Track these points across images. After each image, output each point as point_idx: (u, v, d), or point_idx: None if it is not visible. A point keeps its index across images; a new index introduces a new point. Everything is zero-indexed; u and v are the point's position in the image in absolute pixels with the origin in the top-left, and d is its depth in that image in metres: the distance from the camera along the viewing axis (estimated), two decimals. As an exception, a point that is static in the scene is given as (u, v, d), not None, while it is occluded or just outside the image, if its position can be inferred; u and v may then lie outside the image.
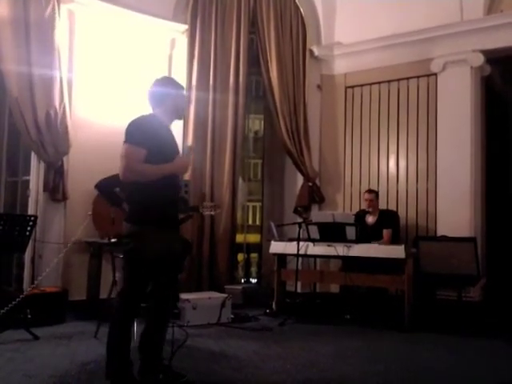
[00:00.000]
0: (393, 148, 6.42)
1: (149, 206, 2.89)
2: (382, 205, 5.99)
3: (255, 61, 6.57)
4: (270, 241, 5.77)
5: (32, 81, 4.92)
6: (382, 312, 5.27)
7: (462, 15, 5.85)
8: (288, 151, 6.50)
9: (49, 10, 5.04)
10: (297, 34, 6.67)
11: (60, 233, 5.17)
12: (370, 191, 5.82)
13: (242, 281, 6.93)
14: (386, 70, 6.43)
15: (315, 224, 5.31)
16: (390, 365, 3.64)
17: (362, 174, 6.63)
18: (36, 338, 4.07)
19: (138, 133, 2.88)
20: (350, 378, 3.36)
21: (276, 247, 5.60)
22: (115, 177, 4.50)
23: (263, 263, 6.86)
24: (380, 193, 5.98)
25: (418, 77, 6.26)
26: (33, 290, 4.65)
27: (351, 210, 6.43)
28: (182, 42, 6.16)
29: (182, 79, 5.89)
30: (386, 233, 5.48)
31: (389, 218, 5.68)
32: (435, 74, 6.10)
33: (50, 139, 5.00)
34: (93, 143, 5.40)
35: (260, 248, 7.00)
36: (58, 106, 5.07)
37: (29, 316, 4.41)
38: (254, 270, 7.15)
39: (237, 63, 6.30)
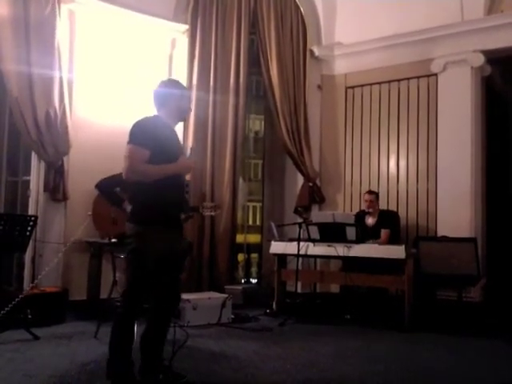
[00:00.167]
0: (393, 148, 6.42)
1: (152, 207, 2.91)
2: (383, 205, 5.99)
3: (255, 61, 6.58)
4: (270, 241, 5.77)
5: (32, 80, 4.91)
6: (382, 312, 5.27)
7: (463, 15, 5.85)
8: (288, 151, 6.50)
9: (49, 9, 5.03)
10: (297, 34, 6.67)
11: (60, 233, 5.17)
12: (370, 192, 5.81)
13: (243, 281, 6.93)
14: (387, 71, 6.43)
15: (315, 224, 5.31)
16: (390, 365, 3.64)
17: (362, 174, 6.63)
18: (36, 338, 4.07)
19: (141, 133, 2.90)
20: (350, 378, 3.36)
21: (276, 247, 5.60)
22: (115, 177, 4.53)
23: (263, 263, 6.86)
24: (380, 193, 5.98)
25: (419, 77, 6.26)
26: (33, 290, 4.65)
27: (351, 210, 6.43)
28: (183, 42, 6.15)
29: (182, 79, 5.87)
30: (383, 232, 5.48)
31: (388, 218, 5.68)
32: (436, 74, 6.10)
33: (50, 139, 5.00)
34: (93, 143, 5.40)
35: (260, 248, 6.99)
36: (57, 106, 5.06)
37: (29, 316, 4.41)
38: (254, 270, 7.15)
39: (237, 63, 6.30)
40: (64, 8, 5.23)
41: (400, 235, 5.77)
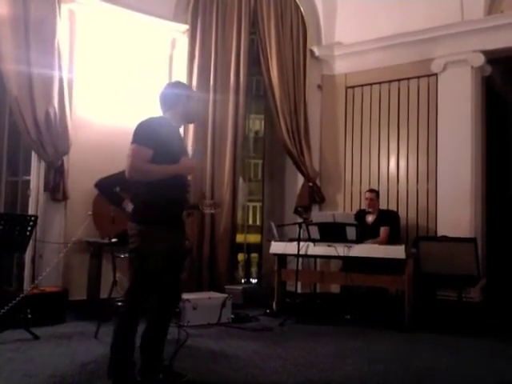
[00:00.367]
0: (393, 148, 6.42)
1: (154, 206, 2.92)
2: (383, 205, 5.99)
3: (256, 61, 6.58)
4: (270, 241, 5.77)
5: (32, 80, 4.91)
6: (382, 312, 5.28)
7: (463, 15, 5.85)
8: (288, 151, 6.50)
9: (49, 9, 5.03)
10: (297, 33, 6.67)
11: (60, 233, 5.17)
12: (371, 191, 5.83)
13: (243, 281, 6.94)
14: (387, 71, 6.43)
15: (315, 224, 5.31)
16: (390, 365, 3.64)
17: (362, 174, 6.63)
18: (36, 337, 4.07)
19: (145, 133, 2.92)
20: (350, 378, 3.36)
21: (276, 247, 5.60)
22: (115, 176, 4.52)
23: (263, 263, 6.86)
24: (380, 193, 5.98)
25: (419, 77, 6.26)
26: (33, 290, 4.65)
27: (352, 210, 6.43)
28: (183, 42, 6.15)
29: (182, 79, 5.89)
30: (383, 230, 5.49)
31: (388, 217, 5.69)
32: (436, 75, 6.09)
33: (50, 139, 5.00)
34: (93, 143, 5.40)
35: (260, 248, 6.99)
36: (57, 106, 5.06)
37: (29, 316, 4.42)
38: (254, 270, 7.15)
39: (237, 63, 6.30)
40: (64, 8, 5.23)
41: (400, 235, 5.78)
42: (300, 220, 5.82)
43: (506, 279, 5.95)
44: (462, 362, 3.83)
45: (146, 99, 5.55)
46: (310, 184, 6.56)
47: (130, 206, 4.34)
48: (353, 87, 6.78)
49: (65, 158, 5.18)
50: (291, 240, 5.52)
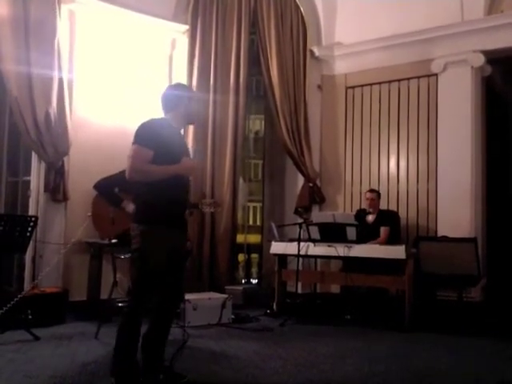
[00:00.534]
0: (393, 148, 6.43)
1: (156, 206, 2.93)
2: (383, 205, 5.99)
3: (256, 61, 6.58)
4: (270, 241, 5.77)
5: (32, 80, 4.90)
6: (383, 312, 5.28)
7: (463, 15, 5.85)
8: (288, 151, 6.50)
9: (49, 9, 5.02)
10: (297, 34, 6.68)
11: (60, 233, 5.17)
12: (372, 191, 5.83)
13: (243, 281, 6.94)
14: (387, 71, 6.43)
15: (316, 224, 5.31)
16: (390, 365, 3.64)
17: (362, 175, 6.64)
18: (36, 338, 4.07)
19: (145, 134, 2.93)
20: (350, 379, 3.36)
21: (276, 248, 5.60)
22: (114, 177, 4.54)
23: (264, 264, 6.86)
24: (380, 193, 5.98)
25: (419, 77, 6.27)
26: (33, 291, 4.65)
27: (352, 210, 6.43)
28: (183, 42, 6.15)
29: (182, 80, 5.90)
30: (383, 230, 5.49)
31: (388, 218, 5.68)
32: (436, 75, 6.10)
33: (50, 139, 5.00)
34: (93, 143, 5.40)
35: (260, 248, 7.00)
36: (57, 106, 5.06)
37: (29, 316, 4.42)
38: (254, 270, 7.15)
39: (237, 63, 6.30)
40: (64, 8, 5.23)
41: (400, 235, 5.78)
42: (300, 220, 5.82)
43: (506, 279, 5.95)
44: (462, 361, 3.83)
45: (146, 99, 5.56)
46: (310, 184, 6.56)
47: (130, 206, 4.36)
48: (353, 87, 6.78)
49: (65, 159, 5.18)
50: (291, 240, 5.52)
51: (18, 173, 5.72)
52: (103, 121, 5.54)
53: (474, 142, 5.85)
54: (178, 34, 6.14)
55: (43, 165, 5.08)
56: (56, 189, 5.10)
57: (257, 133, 7.48)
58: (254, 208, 7.40)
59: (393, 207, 6.18)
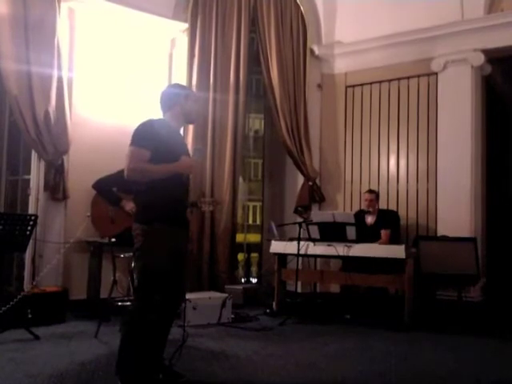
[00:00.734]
0: (393, 147, 6.42)
1: (156, 205, 2.93)
2: (383, 204, 5.99)
3: (255, 60, 6.57)
4: (270, 240, 5.76)
5: (31, 79, 4.90)
6: (382, 312, 5.28)
7: (463, 14, 5.85)
8: (288, 150, 6.49)
9: (49, 7, 5.01)
10: (297, 32, 6.66)
11: (60, 232, 5.16)
12: (370, 191, 5.81)
13: (243, 280, 6.93)
14: (387, 69, 6.42)
15: (315, 224, 5.30)
16: (389, 364, 3.64)
17: (362, 174, 6.63)
18: (36, 337, 4.06)
19: (143, 134, 2.93)
20: (350, 378, 3.36)
21: (276, 247, 5.60)
22: (113, 176, 4.53)
23: (263, 263, 6.86)
24: (380, 192, 5.98)
25: (419, 76, 6.26)
26: (33, 290, 4.65)
27: (351, 209, 6.43)
28: (183, 40, 6.14)
29: (182, 78, 5.90)
30: (384, 233, 5.45)
31: (388, 217, 5.67)
32: (436, 74, 6.09)
33: (50, 138, 4.99)
34: (93, 142, 5.40)
35: (260, 248, 7.00)
36: (57, 105, 5.05)
37: (29, 316, 4.41)
38: (254, 269, 7.15)
39: (237, 62, 6.29)
40: (64, 6, 5.22)
41: (400, 235, 5.77)
42: (300, 219, 5.81)
43: (505, 279, 5.96)
44: (462, 361, 3.83)
45: (146, 98, 5.56)
46: (310, 183, 6.56)
47: (129, 205, 4.36)
48: (353, 86, 6.78)
49: (65, 158, 5.17)
50: (291, 239, 5.51)
51: (17, 171, 5.72)
52: (103, 119, 5.53)
53: (473, 142, 5.85)
54: (177, 32, 6.13)
55: (43, 163, 5.08)
56: (56, 187, 5.09)
57: (256, 132, 7.47)
58: (254, 207, 7.40)
59: (393, 207, 6.18)
